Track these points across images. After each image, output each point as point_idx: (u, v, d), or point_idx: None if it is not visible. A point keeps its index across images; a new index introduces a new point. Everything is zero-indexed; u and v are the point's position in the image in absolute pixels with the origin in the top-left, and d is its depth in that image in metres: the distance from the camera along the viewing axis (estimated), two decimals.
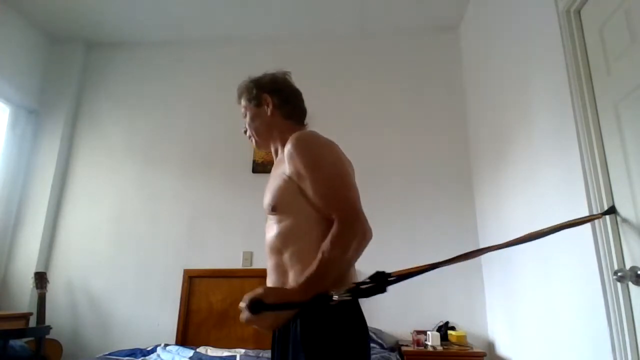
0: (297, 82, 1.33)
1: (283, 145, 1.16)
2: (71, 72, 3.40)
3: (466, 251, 1.10)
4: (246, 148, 3.14)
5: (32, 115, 3.28)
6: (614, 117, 1.41)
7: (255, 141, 1.29)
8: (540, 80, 1.94)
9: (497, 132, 2.51)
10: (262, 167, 3.09)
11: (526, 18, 2.08)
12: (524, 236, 1.25)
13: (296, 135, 1.08)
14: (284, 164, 1.08)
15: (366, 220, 0.99)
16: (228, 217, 3.03)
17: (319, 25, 3.30)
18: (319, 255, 0.94)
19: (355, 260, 1.02)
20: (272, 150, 1.27)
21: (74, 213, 3.14)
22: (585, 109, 1.54)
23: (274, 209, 1.08)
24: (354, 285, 0.95)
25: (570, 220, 1.38)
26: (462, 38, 3.22)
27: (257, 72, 1.33)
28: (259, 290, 0.92)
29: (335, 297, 0.91)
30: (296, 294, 0.92)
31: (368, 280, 0.92)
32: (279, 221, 1.08)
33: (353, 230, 0.97)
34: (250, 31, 3.35)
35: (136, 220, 3.09)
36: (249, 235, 2.96)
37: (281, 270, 1.06)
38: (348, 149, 1.15)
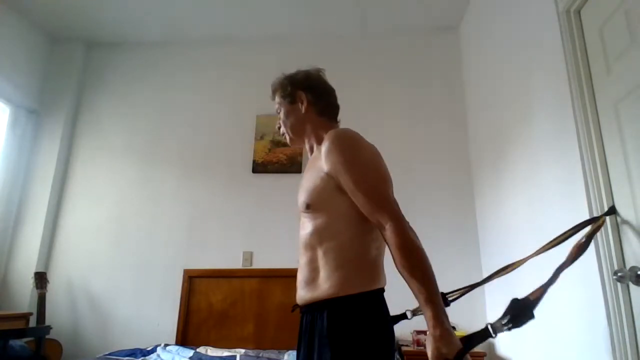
0: None
1: (318, 142, 1.16)
2: (71, 72, 3.39)
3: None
4: (246, 148, 3.14)
5: (32, 115, 3.28)
6: (614, 117, 1.41)
7: (290, 138, 1.28)
8: (540, 80, 1.93)
9: (497, 132, 2.51)
10: (262, 167, 3.09)
11: (526, 18, 2.08)
12: (548, 245, 1.36)
13: (334, 132, 1.08)
14: (320, 161, 1.07)
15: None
16: (228, 217, 3.03)
17: (319, 25, 3.30)
18: (412, 279, 0.92)
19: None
20: (307, 147, 1.26)
21: (74, 213, 3.14)
22: (585, 109, 1.54)
23: (309, 206, 1.08)
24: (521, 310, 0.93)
25: (580, 223, 1.38)
26: (462, 38, 3.22)
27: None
28: (433, 352, 0.86)
29: (495, 334, 0.90)
30: (446, 326, 0.87)
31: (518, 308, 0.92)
32: (314, 219, 1.08)
33: (405, 225, 0.98)
34: (250, 31, 3.35)
35: (136, 220, 3.08)
36: (249, 235, 2.96)
37: (313, 267, 1.06)
38: None
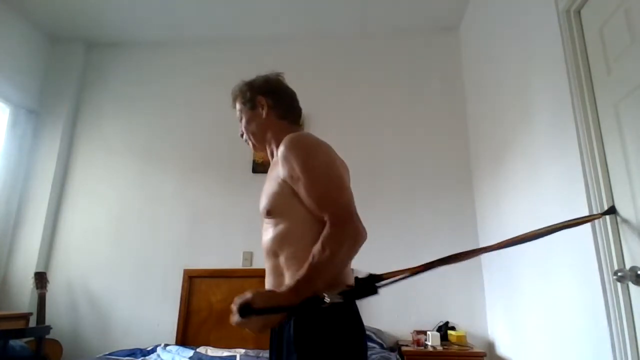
0: (297, 82, 1.33)
1: (278, 147, 1.16)
2: (71, 72, 3.40)
3: (466, 251, 1.11)
4: (246, 148, 3.11)
5: (32, 115, 3.28)
6: (614, 117, 1.41)
7: (253, 144, 1.28)
8: (540, 80, 1.93)
9: (497, 132, 2.51)
10: (262, 167, 3.09)
11: (526, 18, 2.08)
12: (522, 236, 1.25)
13: (289, 137, 1.07)
14: (278, 167, 1.07)
15: (359, 221, 0.98)
16: (228, 217, 3.03)
17: (319, 26, 3.30)
18: (310, 258, 0.94)
19: (349, 262, 1.01)
20: (268, 152, 1.25)
21: (74, 213, 3.14)
22: (585, 109, 1.54)
23: (269, 212, 1.08)
24: (346, 287, 0.95)
25: (570, 220, 1.38)
26: (462, 38, 3.22)
27: (258, 72, 1.33)
28: (248, 295, 0.91)
29: (327, 300, 0.91)
30: (285, 298, 0.92)
31: (360, 282, 0.93)
32: (275, 224, 1.08)
33: (344, 232, 0.96)
34: (250, 31, 3.35)
35: (136, 220, 3.09)
36: (249, 235, 2.96)
37: (278, 273, 1.07)
38: (347, 148, 1.15)
